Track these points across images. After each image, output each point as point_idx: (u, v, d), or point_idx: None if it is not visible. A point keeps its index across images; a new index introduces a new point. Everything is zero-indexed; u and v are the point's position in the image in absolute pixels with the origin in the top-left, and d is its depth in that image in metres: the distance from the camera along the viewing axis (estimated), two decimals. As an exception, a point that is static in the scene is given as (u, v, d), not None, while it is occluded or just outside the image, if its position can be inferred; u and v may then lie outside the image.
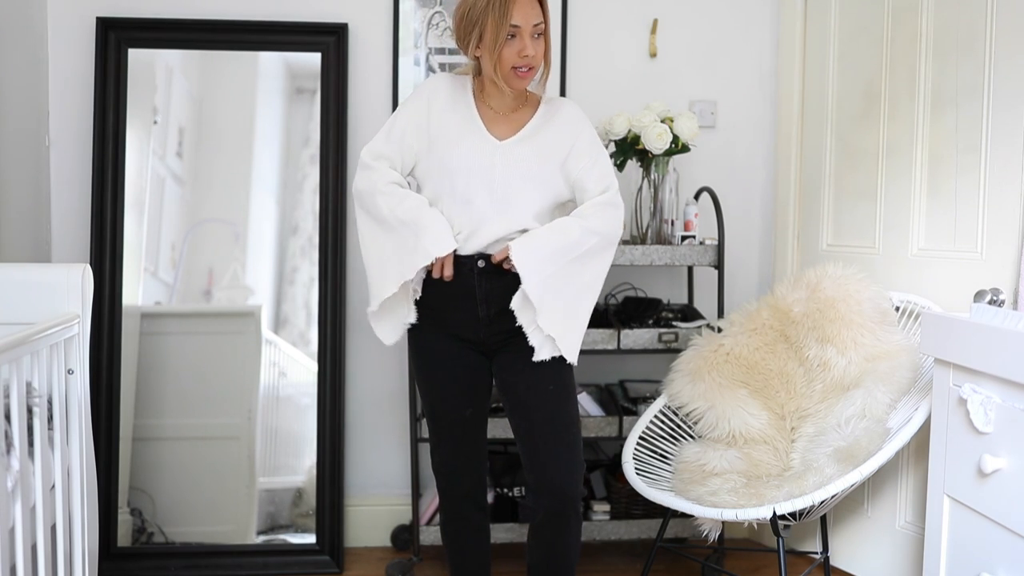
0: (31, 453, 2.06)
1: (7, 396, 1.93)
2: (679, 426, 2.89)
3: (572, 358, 2.25)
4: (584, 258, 2.25)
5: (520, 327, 2.22)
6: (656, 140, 2.91)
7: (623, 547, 3.27)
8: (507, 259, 2.19)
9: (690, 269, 3.29)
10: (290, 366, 3.17)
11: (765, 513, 2.42)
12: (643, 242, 3.07)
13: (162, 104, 3.14)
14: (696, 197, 3.13)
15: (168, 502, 3.09)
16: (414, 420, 2.96)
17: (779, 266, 3.29)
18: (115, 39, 3.09)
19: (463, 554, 2.44)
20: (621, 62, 3.32)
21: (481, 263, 2.25)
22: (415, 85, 3.21)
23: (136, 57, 3.11)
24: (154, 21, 3.10)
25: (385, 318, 2.32)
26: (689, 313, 3.16)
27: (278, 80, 3.21)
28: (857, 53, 3.01)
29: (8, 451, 1.94)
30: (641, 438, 2.82)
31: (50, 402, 2.17)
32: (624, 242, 3.05)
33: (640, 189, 3.09)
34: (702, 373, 2.82)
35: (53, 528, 2.19)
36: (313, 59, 3.16)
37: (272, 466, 3.16)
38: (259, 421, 3.13)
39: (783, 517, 2.47)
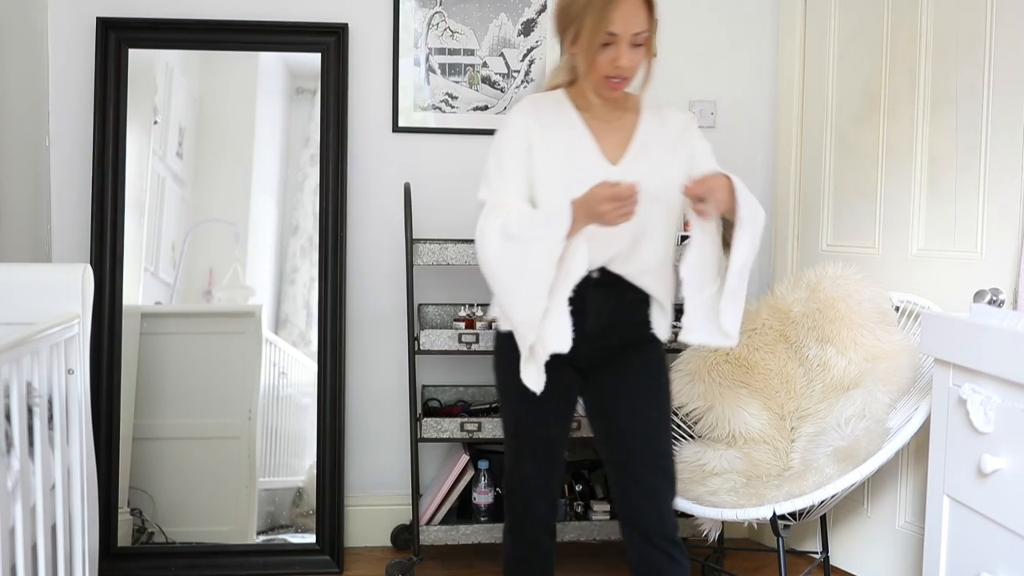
0: (31, 453, 2.06)
1: (7, 396, 1.93)
2: (679, 426, 2.89)
3: (734, 337, 2.05)
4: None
5: (621, 345, 2.10)
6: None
7: (623, 547, 3.26)
8: (706, 192, 1.91)
9: (690, 269, 3.28)
10: (290, 366, 3.17)
11: (765, 513, 2.42)
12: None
13: (162, 104, 3.14)
14: (696, 197, 3.13)
15: (168, 502, 3.09)
16: (414, 420, 2.96)
17: (779, 266, 3.29)
18: (115, 39, 3.09)
19: None
20: (621, 62, 3.31)
21: (596, 274, 2.08)
22: (415, 85, 3.21)
23: (136, 57, 3.11)
24: (154, 21, 3.10)
25: (538, 358, 2.05)
26: (689, 313, 3.15)
27: (278, 80, 3.21)
28: (857, 53, 3.01)
29: (8, 451, 1.94)
30: (641, 438, 2.82)
31: (50, 402, 2.17)
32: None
33: (640, 189, 3.08)
34: (702, 373, 2.82)
35: (53, 528, 2.19)
36: (313, 59, 3.16)
37: (272, 466, 3.16)
38: (259, 421, 3.13)
39: (783, 517, 2.47)
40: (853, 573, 3.00)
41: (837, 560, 3.03)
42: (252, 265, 3.17)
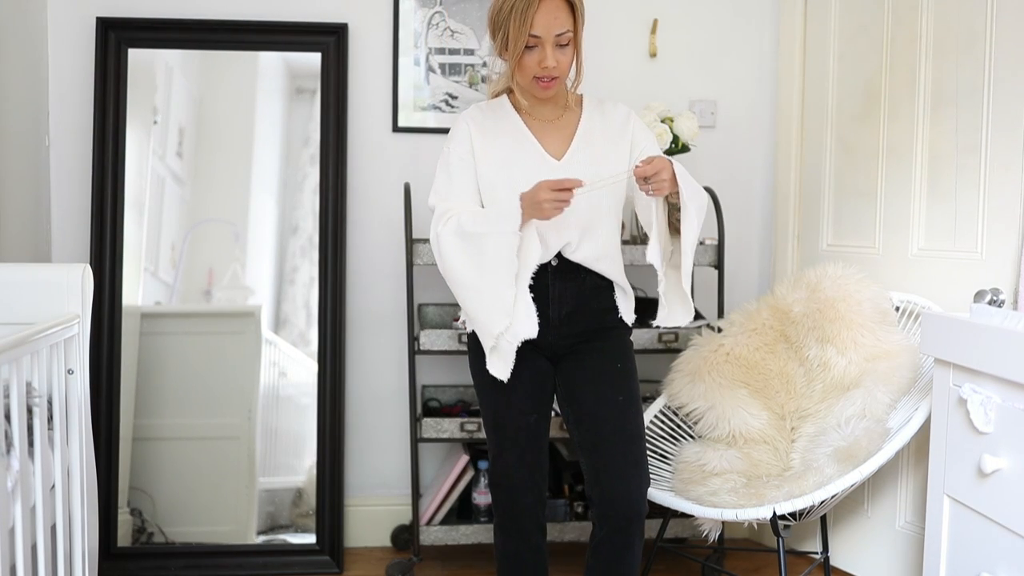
0: (31, 453, 2.06)
1: (7, 396, 1.93)
2: (679, 426, 2.89)
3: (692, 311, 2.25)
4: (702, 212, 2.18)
5: (587, 331, 2.18)
6: (656, 140, 2.91)
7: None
8: (653, 172, 2.02)
9: (690, 269, 3.29)
10: (290, 366, 3.17)
11: (765, 513, 2.42)
12: (643, 242, 3.07)
13: (162, 104, 3.14)
14: (696, 197, 3.13)
15: (168, 502, 3.09)
16: (414, 420, 2.96)
17: (779, 266, 3.29)
18: (115, 39, 3.09)
19: None
20: (621, 62, 3.32)
21: (554, 262, 2.19)
22: (415, 85, 3.21)
23: (136, 57, 3.11)
24: (154, 21, 3.10)
25: (505, 348, 2.13)
26: (689, 313, 3.15)
27: (278, 80, 3.21)
28: (857, 53, 3.01)
29: (8, 451, 1.94)
30: (641, 438, 2.82)
31: (50, 402, 2.17)
32: (624, 242, 3.04)
33: (640, 189, 3.08)
34: (702, 373, 2.82)
35: (53, 528, 2.19)
36: (313, 59, 3.16)
37: (272, 466, 3.16)
38: (259, 421, 3.13)
39: (783, 517, 2.47)
40: (853, 573, 3.00)
41: (837, 560, 3.03)
42: (252, 265, 3.17)
